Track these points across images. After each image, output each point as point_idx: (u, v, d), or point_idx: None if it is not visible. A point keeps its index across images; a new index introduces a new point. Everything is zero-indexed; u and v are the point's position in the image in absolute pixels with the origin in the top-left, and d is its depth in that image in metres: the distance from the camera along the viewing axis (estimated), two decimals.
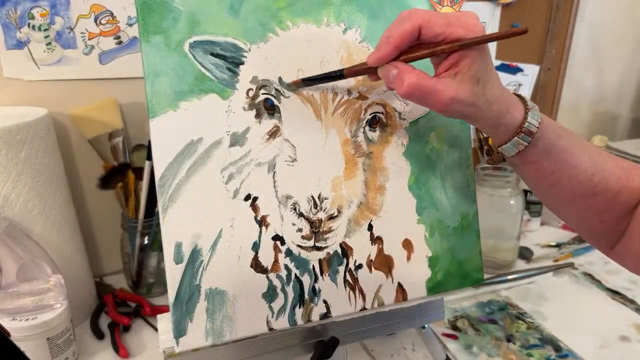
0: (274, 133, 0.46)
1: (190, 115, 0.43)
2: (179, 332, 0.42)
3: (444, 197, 0.52)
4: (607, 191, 0.45)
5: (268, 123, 0.46)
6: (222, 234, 0.44)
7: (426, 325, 0.59)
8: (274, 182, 0.46)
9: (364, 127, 0.49)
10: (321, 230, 0.47)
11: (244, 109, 0.45)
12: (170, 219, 0.43)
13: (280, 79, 0.46)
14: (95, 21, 0.76)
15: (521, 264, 0.93)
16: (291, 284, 0.46)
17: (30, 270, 0.60)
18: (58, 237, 0.69)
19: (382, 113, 0.49)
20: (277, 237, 0.46)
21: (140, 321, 0.75)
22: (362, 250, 0.49)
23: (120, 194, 0.79)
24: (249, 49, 0.45)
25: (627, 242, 0.47)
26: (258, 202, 0.45)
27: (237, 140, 0.45)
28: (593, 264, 0.93)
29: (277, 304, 0.46)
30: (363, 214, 0.49)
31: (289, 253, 0.46)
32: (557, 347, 0.70)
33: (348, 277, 0.48)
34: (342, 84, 0.47)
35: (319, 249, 0.47)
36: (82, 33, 0.75)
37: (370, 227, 0.49)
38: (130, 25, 0.78)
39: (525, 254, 0.95)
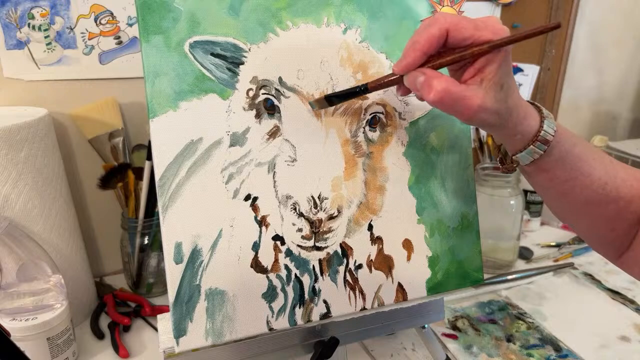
0: (274, 133, 0.46)
1: (190, 115, 0.43)
2: (179, 332, 0.42)
3: (444, 197, 0.52)
4: (620, 199, 0.44)
5: (268, 123, 0.46)
6: (222, 234, 0.44)
7: (426, 325, 0.59)
8: (274, 182, 0.46)
9: (364, 127, 0.49)
10: (321, 230, 0.47)
11: (244, 109, 0.45)
12: (170, 219, 0.43)
13: (280, 79, 0.46)
14: (95, 21, 0.76)
15: (521, 264, 0.93)
16: (291, 284, 0.46)
17: (30, 270, 0.60)
18: (58, 237, 0.69)
19: (382, 113, 0.49)
20: (277, 237, 0.46)
21: (140, 321, 0.75)
22: (362, 250, 0.49)
23: (120, 194, 0.79)
24: (249, 49, 0.45)
25: (636, 251, 0.47)
26: (258, 202, 0.45)
27: (237, 140, 0.45)
28: (593, 264, 0.93)
29: (277, 304, 0.46)
30: (363, 214, 0.49)
31: (289, 253, 0.46)
32: (557, 347, 0.70)
33: (348, 277, 0.48)
34: (341, 83, 0.47)
35: (319, 249, 0.47)
36: (82, 33, 0.75)
37: (370, 227, 0.49)
38: (130, 25, 0.78)
39: (525, 254, 0.95)
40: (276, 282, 0.46)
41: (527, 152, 0.43)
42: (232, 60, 0.45)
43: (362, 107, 0.48)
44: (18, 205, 0.64)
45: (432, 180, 0.52)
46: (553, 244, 1.01)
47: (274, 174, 0.46)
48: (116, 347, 0.68)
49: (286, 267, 0.46)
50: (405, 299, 0.50)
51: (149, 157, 0.75)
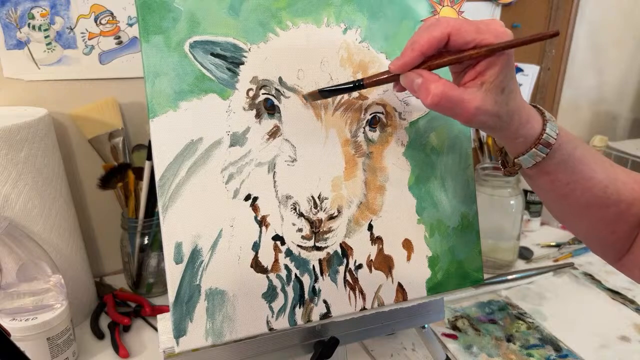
0: (274, 133, 0.46)
1: (190, 115, 0.43)
2: (179, 332, 0.42)
3: (444, 197, 0.52)
4: (620, 202, 0.45)
5: (268, 123, 0.46)
6: (222, 234, 0.44)
7: (426, 325, 0.59)
8: (274, 182, 0.46)
9: (364, 127, 0.49)
10: (321, 230, 0.47)
11: (244, 109, 0.45)
12: (170, 219, 0.43)
13: (280, 79, 0.46)
14: (95, 21, 0.76)
15: (521, 264, 0.93)
16: (291, 284, 0.46)
17: (30, 270, 0.60)
18: (58, 237, 0.69)
19: (382, 113, 0.49)
20: (277, 237, 0.46)
21: (140, 321, 0.75)
22: (362, 250, 0.49)
23: (120, 194, 0.79)
24: (249, 49, 0.45)
25: (635, 254, 0.47)
26: (258, 202, 0.45)
27: (237, 140, 0.45)
28: (593, 264, 0.93)
29: (277, 304, 0.46)
30: (363, 214, 0.49)
31: (289, 253, 0.46)
32: (557, 347, 0.70)
33: (348, 277, 0.48)
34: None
35: (319, 249, 0.47)
36: (82, 33, 0.75)
37: (370, 227, 0.49)
38: (130, 25, 0.78)
39: (525, 254, 0.95)
40: (276, 282, 0.46)
41: (529, 155, 0.43)
42: (232, 60, 0.45)
43: (362, 107, 0.48)
44: (18, 205, 0.64)
45: (432, 180, 0.52)
46: (553, 244, 1.01)
47: (274, 174, 0.46)
48: (116, 347, 0.68)
49: (286, 267, 0.46)
50: (405, 299, 0.50)
51: (149, 157, 0.75)
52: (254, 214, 0.45)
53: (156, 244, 0.79)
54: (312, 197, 0.46)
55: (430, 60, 0.40)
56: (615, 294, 0.84)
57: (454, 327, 0.74)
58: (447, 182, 0.52)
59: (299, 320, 0.46)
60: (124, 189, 0.78)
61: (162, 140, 0.43)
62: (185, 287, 0.43)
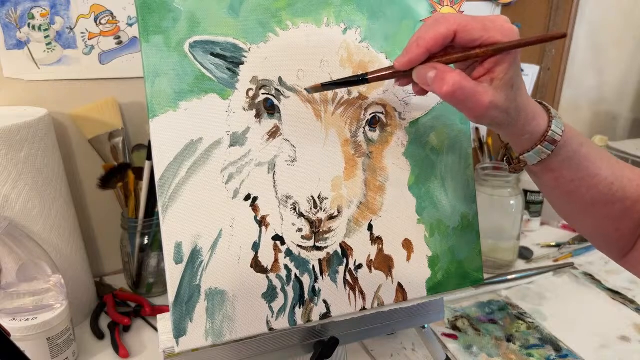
0: (274, 133, 0.46)
1: (190, 115, 0.43)
2: (179, 332, 0.42)
3: (444, 197, 0.52)
4: (626, 199, 0.44)
5: (268, 123, 0.46)
6: (222, 234, 0.44)
7: (426, 325, 0.59)
8: (274, 182, 0.46)
9: (364, 127, 0.49)
10: (321, 230, 0.47)
11: (244, 109, 0.45)
12: (170, 219, 0.43)
13: (280, 79, 0.46)
14: (95, 21, 0.76)
15: (521, 264, 0.93)
16: (291, 284, 0.46)
17: (30, 270, 0.60)
18: (58, 237, 0.69)
19: (382, 113, 0.49)
20: (277, 237, 0.46)
21: (140, 321, 0.75)
22: (362, 250, 0.49)
23: (120, 194, 0.79)
24: (249, 49, 0.45)
25: None
26: (258, 202, 0.45)
27: (237, 140, 0.45)
28: (593, 264, 0.93)
29: (277, 304, 0.46)
30: (363, 214, 0.49)
31: (289, 253, 0.46)
32: (557, 347, 0.70)
33: (348, 277, 0.48)
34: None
35: (319, 249, 0.47)
36: (82, 33, 0.75)
37: (370, 227, 0.49)
38: (130, 25, 0.78)
39: (525, 254, 0.95)
40: (276, 282, 0.46)
41: (535, 152, 0.43)
42: (232, 60, 0.45)
43: (362, 107, 0.48)
44: (18, 205, 0.64)
45: (432, 180, 0.52)
46: (553, 244, 1.01)
47: (274, 174, 0.46)
48: (116, 347, 0.68)
49: (286, 267, 0.46)
50: (405, 299, 0.50)
51: (149, 157, 0.75)
52: (254, 214, 0.45)
53: (156, 244, 0.79)
54: (312, 197, 0.46)
55: (435, 57, 0.39)
56: (615, 294, 0.84)
57: (454, 327, 0.74)
58: (447, 182, 0.52)
59: (299, 320, 0.46)
60: (124, 189, 0.78)
61: (162, 140, 0.43)
62: (185, 287, 0.43)
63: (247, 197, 0.45)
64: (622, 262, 0.49)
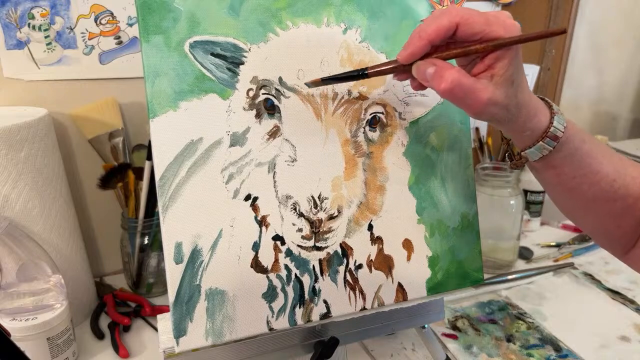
0: (274, 133, 0.46)
1: (190, 115, 0.43)
2: (179, 332, 0.42)
3: (444, 197, 0.52)
4: (628, 197, 0.44)
5: (268, 123, 0.46)
6: (222, 234, 0.44)
7: (426, 325, 0.59)
8: (274, 182, 0.46)
9: (364, 127, 0.49)
10: (321, 230, 0.47)
11: (244, 109, 0.45)
12: (170, 219, 0.43)
13: (280, 79, 0.46)
14: (96, 21, 0.76)
15: (521, 264, 0.93)
16: (291, 284, 0.46)
17: (30, 270, 0.60)
18: (58, 237, 0.69)
19: (382, 113, 0.49)
20: (277, 237, 0.46)
21: (140, 321, 0.75)
22: (362, 250, 0.49)
23: (120, 194, 0.79)
24: (249, 49, 0.45)
25: None
26: (258, 202, 0.45)
27: (237, 140, 0.45)
28: (593, 264, 0.93)
29: (277, 304, 0.46)
30: (363, 214, 0.49)
31: (289, 253, 0.46)
32: (557, 347, 0.70)
33: (348, 277, 0.48)
34: (342, 83, 0.47)
35: (319, 249, 0.47)
36: (82, 33, 0.75)
37: (370, 227, 0.49)
38: (130, 25, 0.78)
39: (525, 254, 0.95)
40: (276, 282, 0.46)
41: (537, 148, 0.43)
42: (232, 60, 0.45)
43: (362, 107, 0.48)
44: (18, 205, 0.64)
45: (432, 180, 0.52)
46: (553, 244, 1.01)
47: (274, 174, 0.46)
48: (116, 347, 0.68)
49: (286, 267, 0.46)
50: (405, 299, 0.50)
51: (149, 157, 0.75)
52: (254, 214, 0.45)
53: (156, 244, 0.79)
54: (312, 197, 0.46)
55: (436, 52, 0.39)
56: (615, 294, 0.84)
57: (454, 327, 0.74)
58: (447, 182, 0.52)
59: (299, 320, 0.46)
60: (124, 189, 0.78)
61: (162, 140, 0.43)
62: (185, 287, 0.43)
63: (247, 197, 0.45)
64: (624, 258, 0.49)
